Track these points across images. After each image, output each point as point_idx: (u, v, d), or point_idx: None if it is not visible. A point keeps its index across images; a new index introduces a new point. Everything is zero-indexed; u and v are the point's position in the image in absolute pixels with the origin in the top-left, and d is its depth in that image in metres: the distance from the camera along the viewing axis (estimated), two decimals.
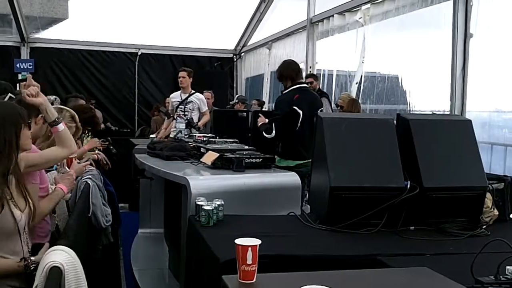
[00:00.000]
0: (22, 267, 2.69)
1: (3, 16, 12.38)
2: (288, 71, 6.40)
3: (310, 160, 5.65)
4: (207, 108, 8.69)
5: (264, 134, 6.19)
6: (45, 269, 2.46)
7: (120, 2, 11.61)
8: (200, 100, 8.55)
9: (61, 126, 3.19)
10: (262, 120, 6.41)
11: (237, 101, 11.62)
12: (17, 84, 8.38)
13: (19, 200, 2.77)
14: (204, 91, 10.20)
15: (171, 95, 8.75)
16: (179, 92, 8.54)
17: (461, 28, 6.30)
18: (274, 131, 6.12)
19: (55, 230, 3.69)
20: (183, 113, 8.31)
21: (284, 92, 6.41)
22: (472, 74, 6.29)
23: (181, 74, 8.51)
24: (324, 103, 8.69)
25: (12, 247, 2.75)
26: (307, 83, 8.93)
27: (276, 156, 5.82)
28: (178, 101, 8.43)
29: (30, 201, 2.84)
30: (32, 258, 2.70)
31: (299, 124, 6.16)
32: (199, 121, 8.28)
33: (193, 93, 8.54)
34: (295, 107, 6.15)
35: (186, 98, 8.43)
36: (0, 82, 5.22)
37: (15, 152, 2.75)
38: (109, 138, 8.21)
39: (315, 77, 9.28)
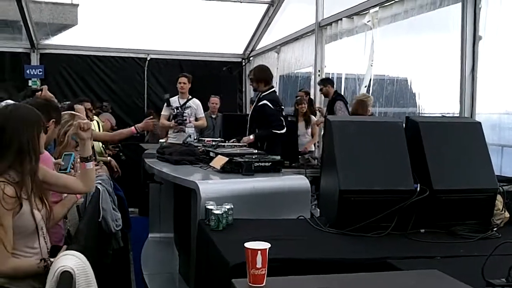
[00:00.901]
0: (42, 268, 2.75)
1: (13, 22, 12.45)
2: (263, 75, 6.90)
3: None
4: (203, 114, 8.85)
5: (276, 131, 6.55)
6: (56, 273, 2.49)
7: (129, 8, 11.63)
8: (198, 106, 8.73)
9: (90, 165, 3.23)
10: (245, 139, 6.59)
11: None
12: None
13: (37, 201, 2.85)
14: (212, 96, 10.26)
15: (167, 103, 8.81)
16: (177, 97, 8.67)
17: (470, 31, 6.27)
18: (284, 125, 6.61)
19: (66, 235, 3.71)
20: (182, 117, 8.38)
21: (265, 94, 6.79)
22: (482, 76, 6.26)
23: (182, 80, 8.66)
24: (340, 106, 8.72)
25: (31, 246, 2.83)
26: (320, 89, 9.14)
27: None
28: (177, 106, 8.50)
29: (47, 202, 2.94)
30: (52, 259, 2.74)
31: None
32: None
33: (191, 99, 8.69)
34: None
35: (185, 103, 8.54)
36: (28, 88, 5.39)
37: (36, 154, 2.85)
38: (119, 145, 8.28)
39: (324, 83, 9.30)
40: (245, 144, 6.37)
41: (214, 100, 10.33)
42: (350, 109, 8.39)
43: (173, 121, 8.37)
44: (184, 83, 8.61)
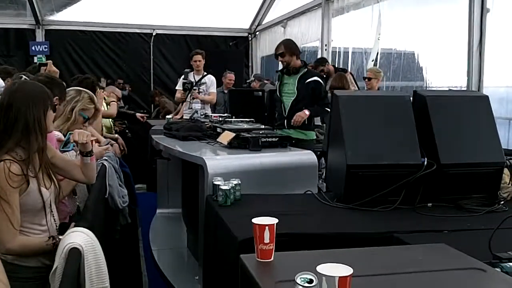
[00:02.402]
0: (50, 245, 2.75)
1: None
2: (296, 48, 6.47)
3: None
4: (214, 90, 8.88)
5: (328, 109, 6.18)
6: (64, 250, 2.50)
7: None
8: (211, 82, 8.80)
9: (88, 160, 3.16)
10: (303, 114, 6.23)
11: (253, 79, 11.55)
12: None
13: (45, 179, 2.84)
14: (228, 72, 10.29)
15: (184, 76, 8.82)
16: (192, 73, 8.67)
17: (477, 3, 6.22)
18: None
19: (76, 211, 3.72)
20: (197, 93, 8.42)
21: (307, 70, 6.36)
22: (489, 49, 6.22)
23: (197, 57, 8.73)
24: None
25: (39, 223, 2.83)
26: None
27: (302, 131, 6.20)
28: (192, 82, 8.53)
29: (55, 179, 2.93)
30: (60, 236, 2.75)
31: None
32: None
33: (206, 75, 8.77)
34: None
35: (200, 79, 8.58)
36: (35, 63, 5.49)
37: (43, 132, 2.82)
38: (125, 121, 8.30)
39: (321, 63, 9.21)
40: (299, 119, 6.14)
41: (231, 77, 10.38)
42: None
43: (187, 93, 8.42)
44: (200, 60, 8.71)
